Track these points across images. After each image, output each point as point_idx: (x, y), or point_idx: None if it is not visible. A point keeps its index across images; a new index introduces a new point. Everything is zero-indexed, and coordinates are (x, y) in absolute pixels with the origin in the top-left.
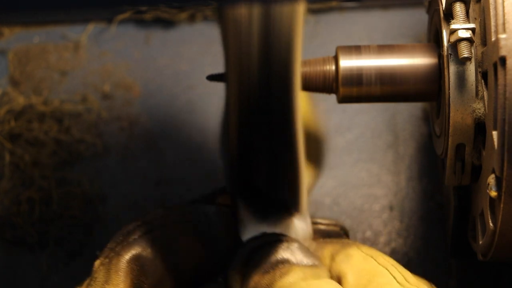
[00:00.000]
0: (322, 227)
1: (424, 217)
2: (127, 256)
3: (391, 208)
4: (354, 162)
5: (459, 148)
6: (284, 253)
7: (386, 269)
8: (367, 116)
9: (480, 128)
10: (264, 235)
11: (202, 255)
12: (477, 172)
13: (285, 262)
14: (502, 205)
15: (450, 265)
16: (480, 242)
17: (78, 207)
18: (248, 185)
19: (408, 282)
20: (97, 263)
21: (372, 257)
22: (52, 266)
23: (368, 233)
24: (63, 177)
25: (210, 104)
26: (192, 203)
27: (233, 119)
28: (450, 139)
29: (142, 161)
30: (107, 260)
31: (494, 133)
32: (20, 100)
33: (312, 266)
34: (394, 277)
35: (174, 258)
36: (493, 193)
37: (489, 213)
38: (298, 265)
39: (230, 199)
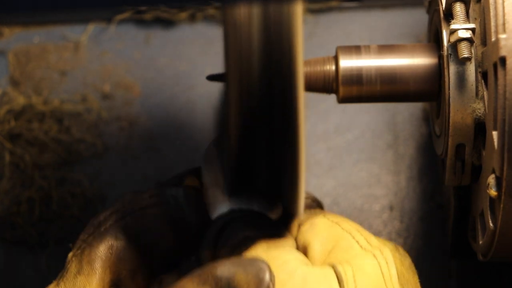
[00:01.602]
0: None
1: (424, 217)
2: (100, 246)
3: (391, 208)
4: (354, 162)
5: (459, 148)
6: (249, 228)
7: (350, 233)
8: (367, 116)
9: (480, 128)
10: (231, 211)
11: (174, 238)
12: (477, 172)
13: (251, 237)
14: (502, 205)
15: (450, 265)
16: (480, 242)
17: (78, 207)
18: (248, 185)
19: (371, 244)
20: (70, 255)
21: (337, 223)
22: (52, 266)
23: None
24: (63, 177)
25: (210, 104)
26: (160, 186)
27: (233, 120)
28: (450, 139)
29: (142, 161)
30: (79, 251)
31: (494, 133)
32: (20, 100)
33: (278, 238)
34: (357, 241)
35: (147, 243)
36: (493, 193)
37: (489, 213)
38: (263, 239)
39: (197, 179)
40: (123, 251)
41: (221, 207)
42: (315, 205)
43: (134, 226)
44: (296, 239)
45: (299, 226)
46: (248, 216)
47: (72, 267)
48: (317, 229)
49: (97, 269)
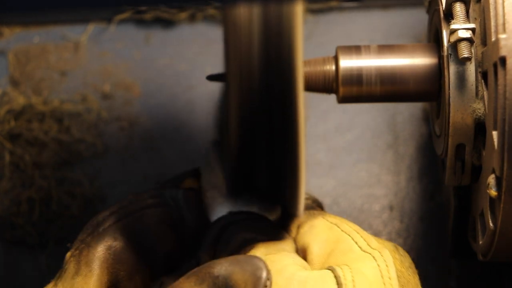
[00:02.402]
0: None
1: (424, 217)
2: (98, 247)
3: (391, 208)
4: (354, 162)
5: (459, 148)
6: (248, 231)
7: (349, 235)
8: (367, 116)
9: (480, 128)
10: (230, 214)
11: (173, 239)
12: (477, 172)
13: (250, 240)
14: (502, 205)
15: (450, 265)
16: (480, 242)
17: (78, 207)
18: (248, 185)
19: (371, 246)
20: (68, 255)
21: (336, 225)
22: (52, 266)
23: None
24: (63, 177)
25: (210, 104)
26: (160, 187)
27: (233, 120)
28: (450, 139)
29: (142, 161)
30: (77, 251)
31: (494, 133)
32: (20, 100)
33: (276, 241)
34: (356, 243)
35: (146, 245)
36: (493, 193)
37: (489, 213)
38: (262, 241)
39: (197, 181)
40: (122, 252)
41: (220, 209)
42: (315, 205)
43: (133, 227)
44: (295, 241)
45: (299, 227)
46: (247, 218)
47: (70, 267)
48: (316, 231)
49: (95, 270)
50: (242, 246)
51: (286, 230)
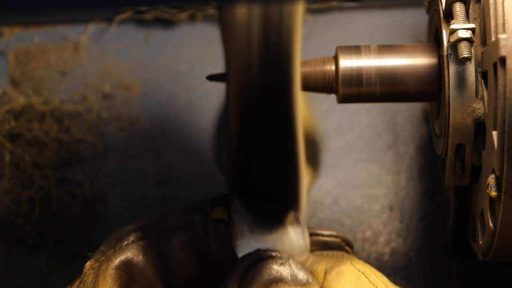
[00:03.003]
0: (322, 238)
1: (424, 217)
2: (117, 261)
3: (391, 208)
4: (354, 162)
5: (459, 148)
6: (277, 271)
7: (377, 287)
8: (367, 116)
9: (480, 128)
10: (258, 251)
11: (196, 268)
12: (477, 172)
13: (278, 280)
14: (502, 205)
15: (450, 265)
16: (480, 242)
17: (78, 207)
18: (248, 185)
19: None
20: (87, 265)
21: (364, 274)
22: (52, 266)
23: (368, 233)
24: (63, 177)
25: (210, 104)
26: (189, 212)
27: (233, 119)
28: (450, 139)
29: (142, 161)
30: (97, 264)
31: (494, 133)
32: (20, 100)
33: (305, 284)
34: None
35: (166, 268)
36: (493, 193)
37: (489, 213)
38: (290, 283)
39: (226, 212)
40: (139, 271)
41: (247, 244)
42: (344, 245)
43: (157, 248)
44: (321, 287)
45: (326, 272)
46: (275, 257)
47: (89, 280)
48: (344, 279)
49: (113, 287)
50: (269, 285)
51: (312, 273)
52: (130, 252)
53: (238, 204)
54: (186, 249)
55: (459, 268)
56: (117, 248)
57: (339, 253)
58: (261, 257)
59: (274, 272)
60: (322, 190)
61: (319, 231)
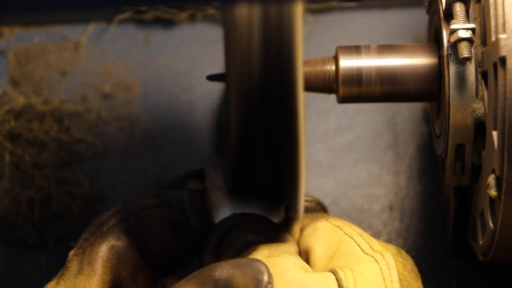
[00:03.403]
0: None
1: (424, 217)
2: (102, 246)
3: (391, 208)
4: (354, 162)
5: (459, 148)
6: (251, 233)
7: (352, 238)
8: (367, 116)
9: (480, 128)
10: (233, 215)
11: (177, 241)
12: (477, 172)
13: (253, 242)
14: (502, 205)
15: (450, 265)
16: (480, 242)
17: (78, 207)
18: (248, 184)
19: (373, 249)
20: (71, 253)
21: (339, 227)
22: (52, 266)
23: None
24: (63, 177)
25: (210, 104)
26: (163, 188)
27: (233, 120)
28: (450, 139)
29: (142, 161)
30: (80, 250)
31: (494, 133)
32: (20, 100)
33: (279, 243)
34: (359, 245)
35: (149, 245)
36: (493, 193)
37: (489, 213)
38: (264, 243)
39: (200, 183)
40: (124, 252)
41: (224, 211)
42: (319, 208)
43: (137, 227)
44: (298, 243)
45: (302, 230)
46: (250, 220)
47: (73, 266)
48: (319, 233)
49: (98, 269)
50: (245, 248)
51: (289, 232)
52: (112, 235)
53: (212, 174)
54: (165, 223)
55: (459, 268)
56: (99, 233)
57: (315, 214)
58: (237, 221)
59: (248, 235)
60: (322, 190)
61: None
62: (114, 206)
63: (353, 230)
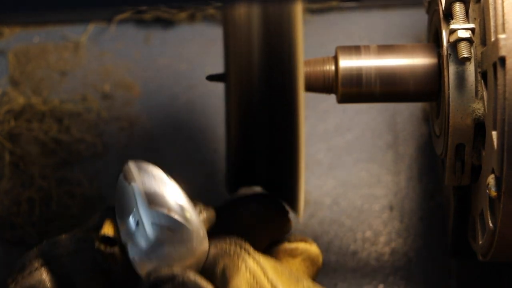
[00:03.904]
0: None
1: (424, 217)
2: None
3: (391, 208)
4: (354, 162)
5: (459, 148)
6: None
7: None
8: (367, 116)
9: (479, 128)
10: (150, 275)
11: (102, 286)
12: (477, 172)
13: None
14: (501, 205)
15: (450, 265)
16: (480, 242)
17: (78, 207)
18: (248, 184)
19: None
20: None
21: (255, 275)
22: None
23: (368, 233)
24: (63, 177)
25: (210, 104)
26: (86, 231)
27: (233, 120)
28: (449, 139)
29: None
30: None
31: (494, 133)
32: (20, 100)
33: None
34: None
35: None
36: (493, 193)
37: (488, 213)
38: None
39: (114, 227)
40: None
41: (144, 263)
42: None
43: (60, 272)
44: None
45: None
46: (177, 277)
47: None
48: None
49: None
50: None
51: (212, 276)
52: (34, 279)
53: (122, 220)
54: (89, 270)
55: (459, 268)
56: (20, 278)
57: (238, 242)
58: (162, 279)
59: None
60: (322, 190)
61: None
62: (37, 246)
63: (271, 279)
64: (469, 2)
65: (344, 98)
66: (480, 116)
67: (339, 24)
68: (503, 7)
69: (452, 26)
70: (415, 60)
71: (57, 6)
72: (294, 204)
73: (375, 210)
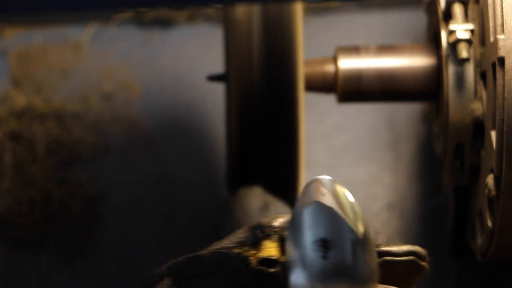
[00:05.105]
0: (391, 258)
1: (424, 217)
2: None
3: (390, 208)
4: (354, 162)
5: (458, 148)
6: None
7: None
8: (367, 116)
9: (479, 128)
10: None
11: None
12: (476, 172)
13: None
14: (500, 205)
15: (450, 265)
16: (479, 242)
17: (78, 207)
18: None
19: None
20: None
21: None
22: (53, 266)
23: None
24: (63, 177)
25: (210, 104)
26: (222, 250)
27: (233, 120)
28: (449, 139)
29: (142, 161)
30: None
31: (493, 133)
32: (21, 100)
33: None
34: None
35: None
36: (492, 193)
37: (487, 212)
38: None
39: (278, 247)
40: None
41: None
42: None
43: None
44: None
45: None
46: None
47: None
48: None
49: None
50: None
51: None
52: None
53: (296, 243)
54: None
55: (459, 268)
56: None
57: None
58: None
59: None
60: None
61: (389, 249)
62: (164, 266)
63: None
64: (468, 3)
65: (344, 98)
66: (479, 116)
67: (339, 24)
68: (502, 8)
69: (451, 27)
70: (415, 61)
71: (58, 6)
72: (294, 204)
73: (375, 209)
